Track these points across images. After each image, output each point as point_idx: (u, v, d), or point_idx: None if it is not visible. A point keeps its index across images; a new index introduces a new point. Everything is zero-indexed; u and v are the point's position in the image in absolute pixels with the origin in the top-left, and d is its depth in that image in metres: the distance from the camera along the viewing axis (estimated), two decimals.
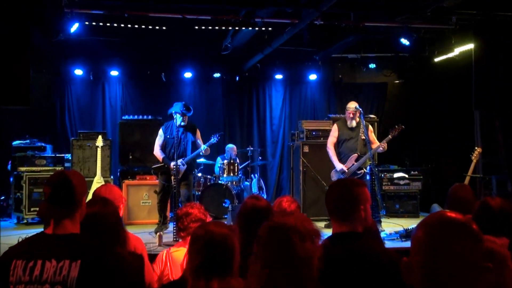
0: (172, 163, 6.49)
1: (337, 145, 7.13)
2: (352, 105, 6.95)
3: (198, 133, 6.92)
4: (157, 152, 6.81)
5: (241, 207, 3.01)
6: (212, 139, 6.77)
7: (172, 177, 6.53)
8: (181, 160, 6.64)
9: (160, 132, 6.86)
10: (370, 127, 7.16)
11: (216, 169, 8.98)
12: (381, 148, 6.72)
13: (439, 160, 9.15)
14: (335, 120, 8.58)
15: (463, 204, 3.22)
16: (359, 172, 6.89)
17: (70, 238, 2.01)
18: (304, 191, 8.07)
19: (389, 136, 6.67)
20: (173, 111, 6.73)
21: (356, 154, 6.88)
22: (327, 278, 1.90)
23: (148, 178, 7.87)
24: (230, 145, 9.09)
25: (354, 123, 6.91)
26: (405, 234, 6.09)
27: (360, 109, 6.84)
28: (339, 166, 6.90)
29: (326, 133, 8.17)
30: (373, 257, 2.14)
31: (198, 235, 2.09)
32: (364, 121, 6.80)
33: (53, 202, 2.04)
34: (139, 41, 8.38)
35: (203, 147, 6.65)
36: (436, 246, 1.33)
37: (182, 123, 6.68)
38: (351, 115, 6.89)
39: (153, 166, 6.97)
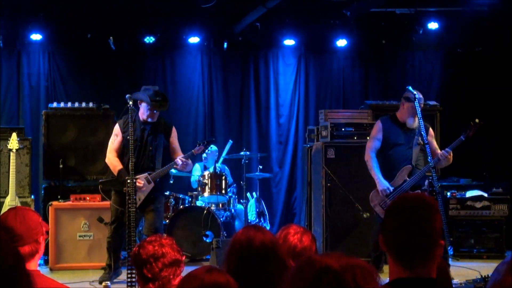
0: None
1: (381, 152, 7.09)
2: (413, 91, 6.79)
3: (175, 135, 6.99)
4: (113, 160, 6.85)
5: (231, 244, 3.03)
6: (196, 148, 6.80)
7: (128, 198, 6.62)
8: (145, 174, 6.71)
9: (116, 129, 6.90)
10: (431, 130, 7.16)
11: (194, 184, 9.02)
12: (442, 162, 6.76)
13: None
14: (375, 108, 8.60)
15: None
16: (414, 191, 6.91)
17: None
18: (328, 218, 8.09)
19: (461, 137, 6.66)
20: (139, 99, 6.77)
21: (409, 166, 6.89)
22: None
23: (88, 198, 7.88)
24: (213, 148, 9.12)
25: (415, 122, 6.87)
26: (483, 285, 6.11)
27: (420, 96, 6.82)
28: (382, 184, 6.86)
29: (362, 129, 8.19)
30: None
31: None
32: (421, 120, 6.77)
33: None
34: None
35: (177, 160, 6.65)
36: None
37: (149, 119, 6.76)
38: (417, 109, 6.70)
39: (101, 180, 6.99)
